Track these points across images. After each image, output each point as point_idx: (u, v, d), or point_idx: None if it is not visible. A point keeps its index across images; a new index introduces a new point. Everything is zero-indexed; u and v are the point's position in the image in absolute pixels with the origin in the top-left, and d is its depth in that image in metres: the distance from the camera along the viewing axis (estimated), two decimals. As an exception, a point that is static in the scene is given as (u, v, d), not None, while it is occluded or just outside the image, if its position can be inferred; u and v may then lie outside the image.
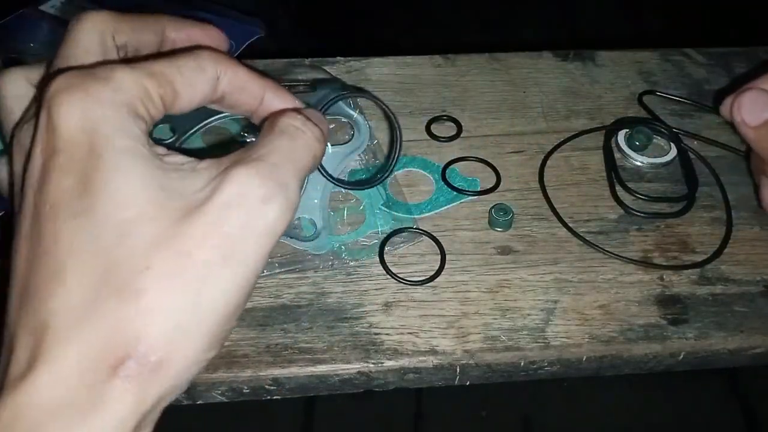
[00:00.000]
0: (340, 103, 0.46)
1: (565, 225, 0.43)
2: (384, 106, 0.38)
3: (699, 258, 0.42)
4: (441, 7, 1.68)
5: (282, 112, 0.27)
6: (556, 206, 0.44)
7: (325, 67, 0.52)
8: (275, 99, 0.29)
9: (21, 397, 0.21)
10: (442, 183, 0.45)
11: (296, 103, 0.29)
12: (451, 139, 0.48)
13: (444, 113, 0.50)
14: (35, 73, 0.28)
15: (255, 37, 0.56)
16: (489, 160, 0.47)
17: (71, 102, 0.23)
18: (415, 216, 0.43)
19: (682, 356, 0.38)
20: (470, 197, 0.45)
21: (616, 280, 0.41)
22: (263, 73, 0.29)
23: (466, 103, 0.51)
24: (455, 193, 0.45)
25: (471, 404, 1.10)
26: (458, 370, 0.38)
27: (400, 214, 0.43)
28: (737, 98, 0.40)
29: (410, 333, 0.38)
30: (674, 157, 0.47)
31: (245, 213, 0.23)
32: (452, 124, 0.49)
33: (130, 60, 0.27)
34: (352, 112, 0.46)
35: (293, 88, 0.47)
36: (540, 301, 0.40)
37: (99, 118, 0.23)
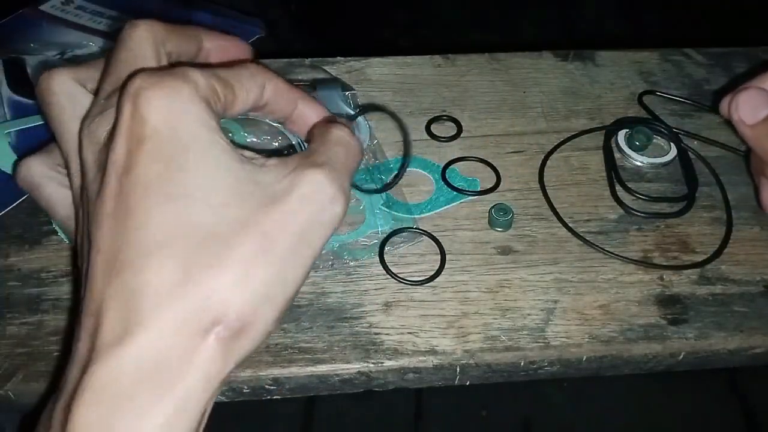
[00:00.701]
0: (340, 103, 0.46)
1: (565, 225, 0.43)
2: (398, 120, 0.40)
3: (699, 258, 0.42)
4: (441, 7, 1.68)
5: (333, 124, 0.31)
6: (556, 206, 0.44)
7: (325, 67, 0.52)
8: (307, 107, 0.33)
9: (118, 360, 0.23)
10: (442, 183, 0.45)
11: (324, 111, 0.33)
12: (451, 139, 0.48)
13: (444, 113, 0.50)
14: (82, 73, 0.31)
15: (255, 37, 0.56)
16: (489, 160, 0.47)
17: (157, 95, 0.25)
18: (415, 216, 0.43)
19: (682, 356, 0.38)
20: (470, 197, 0.45)
21: (616, 280, 0.41)
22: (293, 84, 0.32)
23: (466, 103, 0.51)
24: (455, 193, 0.45)
25: (471, 404, 1.10)
26: (458, 370, 0.38)
27: (400, 214, 0.43)
28: (735, 97, 0.41)
29: (410, 333, 0.38)
30: (674, 157, 0.47)
31: (318, 208, 0.27)
32: (452, 124, 0.49)
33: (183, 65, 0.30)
34: (352, 112, 0.46)
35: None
36: (540, 301, 0.40)
37: (183, 111, 0.25)
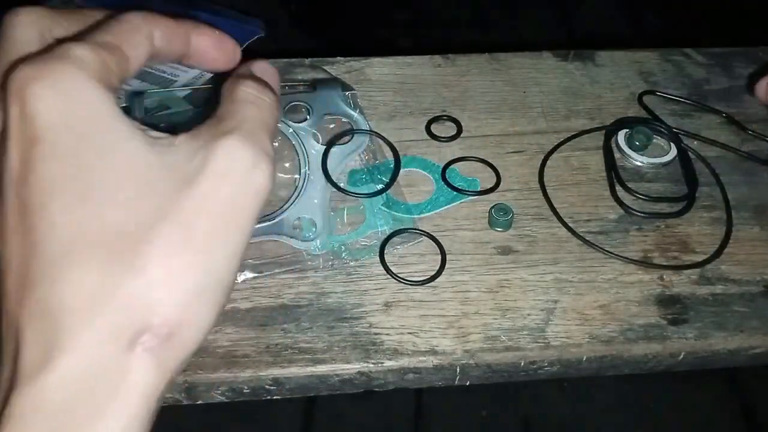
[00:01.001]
0: (340, 102, 0.46)
1: (565, 225, 0.43)
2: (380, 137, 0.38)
3: (699, 258, 0.42)
4: (441, 7, 1.68)
5: (238, 80, 0.28)
6: (556, 206, 0.44)
7: (325, 67, 0.52)
8: (201, 39, 0.31)
9: (43, 383, 0.21)
10: (442, 183, 0.45)
11: (217, 36, 0.32)
12: (451, 139, 0.48)
13: (444, 113, 0.50)
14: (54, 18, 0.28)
15: (255, 37, 0.56)
16: (489, 160, 0.47)
17: (42, 88, 0.23)
18: (415, 216, 0.43)
19: (682, 356, 0.38)
20: (470, 197, 0.45)
21: (616, 280, 0.41)
22: (180, 17, 0.30)
23: (466, 103, 0.51)
24: (455, 193, 0.45)
25: (471, 404, 1.10)
26: (458, 370, 0.38)
27: (400, 214, 0.43)
28: None
29: (410, 333, 0.38)
30: (674, 157, 0.47)
31: (237, 180, 0.24)
32: (452, 124, 0.49)
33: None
34: (352, 112, 0.46)
35: (293, 88, 0.47)
36: (540, 301, 0.40)
37: (74, 100, 0.23)
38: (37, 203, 0.22)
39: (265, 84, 0.29)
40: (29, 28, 0.27)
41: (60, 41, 0.26)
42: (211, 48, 0.31)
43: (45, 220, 0.22)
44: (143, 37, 0.27)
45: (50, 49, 0.24)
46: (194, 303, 0.23)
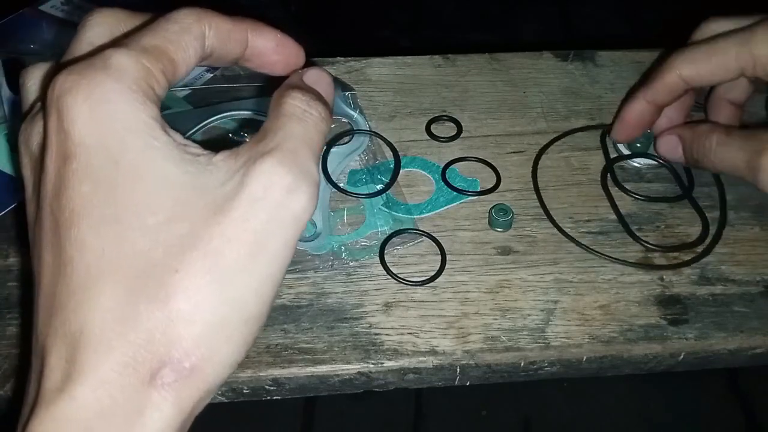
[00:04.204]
0: (340, 103, 0.46)
1: (556, 225, 0.43)
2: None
3: (698, 258, 0.42)
4: (441, 6, 1.68)
5: (286, 93, 0.27)
6: (556, 206, 0.44)
7: (325, 67, 0.52)
8: (258, 38, 0.28)
9: (59, 410, 0.21)
10: (442, 183, 0.45)
11: (279, 37, 0.29)
12: (451, 139, 0.48)
13: (444, 113, 0.50)
14: (50, 67, 0.28)
15: (255, 37, 0.56)
16: (489, 161, 0.47)
17: (78, 100, 0.22)
18: (415, 216, 0.43)
19: (682, 356, 0.38)
20: (470, 197, 0.45)
21: (616, 280, 0.41)
22: (236, 14, 0.28)
23: (466, 103, 0.51)
24: (455, 193, 0.45)
25: (471, 404, 1.10)
26: (458, 370, 0.38)
27: (400, 215, 0.43)
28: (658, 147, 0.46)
29: (410, 333, 0.38)
30: (674, 158, 0.47)
31: (273, 207, 0.23)
32: (452, 124, 0.49)
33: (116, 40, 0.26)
34: (352, 113, 0.46)
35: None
36: (540, 302, 0.40)
37: (110, 116, 0.22)
38: (68, 222, 0.22)
39: (315, 95, 0.27)
40: (101, 29, 0.26)
41: (98, 49, 0.25)
42: (270, 51, 0.29)
43: (75, 241, 0.22)
44: (193, 38, 0.25)
45: (94, 54, 0.23)
46: (218, 338, 0.22)
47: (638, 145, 0.47)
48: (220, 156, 0.24)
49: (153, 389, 0.21)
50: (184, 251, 0.22)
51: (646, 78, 0.44)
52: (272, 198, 0.23)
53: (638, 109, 0.44)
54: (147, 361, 0.21)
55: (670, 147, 0.45)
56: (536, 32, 1.60)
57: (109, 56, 0.23)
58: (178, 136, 0.24)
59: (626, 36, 1.55)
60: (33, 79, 0.28)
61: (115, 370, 0.21)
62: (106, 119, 0.22)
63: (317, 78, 0.29)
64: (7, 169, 0.45)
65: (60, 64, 0.26)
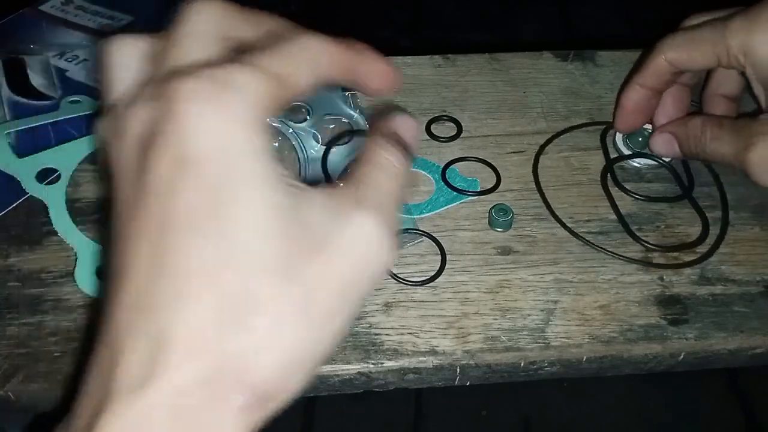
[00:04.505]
0: (340, 103, 0.46)
1: (563, 225, 0.43)
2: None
3: (699, 258, 0.42)
4: (441, 6, 1.68)
5: (379, 143, 0.27)
6: (556, 206, 0.44)
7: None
8: (367, 66, 0.29)
9: (136, 408, 0.21)
10: (442, 183, 0.45)
11: (384, 65, 0.30)
12: (451, 139, 0.48)
13: (444, 113, 0.50)
14: (146, 45, 0.27)
15: (255, 37, 0.56)
16: (489, 161, 0.47)
17: (203, 111, 0.22)
18: (415, 216, 0.43)
19: (682, 356, 0.38)
20: (470, 197, 0.45)
21: (616, 280, 0.41)
22: (345, 37, 0.28)
23: (466, 103, 0.51)
24: (455, 193, 0.45)
25: (471, 404, 1.10)
26: (458, 370, 0.38)
27: (400, 215, 0.43)
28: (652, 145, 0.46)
29: (410, 333, 0.38)
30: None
31: (367, 258, 0.24)
32: (452, 124, 0.49)
33: (240, 50, 0.26)
34: (352, 112, 0.46)
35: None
36: (540, 302, 0.40)
37: (231, 137, 0.22)
38: (175, 227, 0.22)
39: (403, 148, 0.28)
40: (206, 25, 0.26)
41: (233, 52, 0.25)
42: (376, 79, 0.30)
43: (180, 247, 0.22)
44: (313, 65, 0.26)
45: (220, 64, 0.23)
46: (294, 371, 0.23)
47: (639, 139, 0.47)
48: (319, 194, 0.24)
49: (227, 409, 0.21)
50: (281, 282, 0.22)
51: (637, 66, 0.46)
52: (366, 253, 0.24)
53: (633, 94, 0.45)
54: (227, 380, 0.21)
55: (665, 144, 0.45)
56: (536, 32, 1.60)
57: (238, 72, 0.23)
58: (280, 167, 0.24)
59: (626, 36, 1.55)
60: (127, 55, 0.26)
61: (196, 381, 0.21)
62: (228, 138, 0.22)
63: (407, 127, 0.30)
64: (7, 169, 0.45)
65: (166, 51, 0.25)
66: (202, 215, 0.22)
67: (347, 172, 0.28)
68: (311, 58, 0.26)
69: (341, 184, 0.25)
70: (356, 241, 0.24)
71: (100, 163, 0.26)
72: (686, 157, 0.45)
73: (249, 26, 0.27)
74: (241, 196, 0.22)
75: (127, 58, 0.26)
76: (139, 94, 0.24)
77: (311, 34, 0.26)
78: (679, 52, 0.43)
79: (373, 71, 0.30)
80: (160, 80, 0.23)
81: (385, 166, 0.27)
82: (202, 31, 0.26)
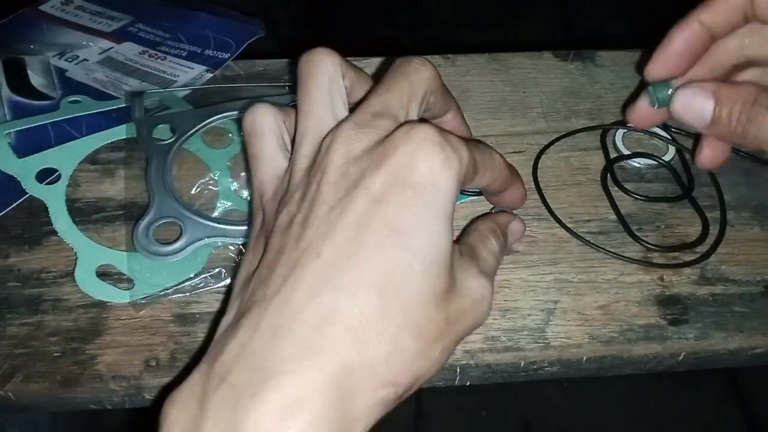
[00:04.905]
0: (340, 103, 0.46)
1: (563, 225, 0.43)
2: None
3: (699, 258, 0.42)
4: (441, 7, 1.68)
5: (493, 231, 0.35)
6: (556, 206, 0.44)
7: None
8: (512, 192, 0.36)
9: (306, 377, 0.25)
10: (442, 183, 0.45)
11: (523, 192, 0.38)
12: (451, 139, 0.48)
13: (444, 113, 0.50)
14: (283, 114, 0.33)
15: (255, 37, 0.56)
16: (489, 161, 0.47)
17: (437, 154, 0.27)
18: (415, 216, 0.43)
19: (682, 356, 0.38)
20: (470, 197, 0.45)
21: (616, 280, 0.41)
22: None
23: (466, 103, 0.51)
24: (455, 193, 0.45)
25: (471, 404, 1.10)
26: (458, 370, 0.38)
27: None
28: (675, 103, 0.36)
29: (410, 333, 0.38)
30: (673, 157, 0.47)
31: (481, 311, 0.30)
32: (452, 124, 0.49)
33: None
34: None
35: (293, 89, 0.47)
36: (540, 302, 0.40)
37: (445, 181, 0.28)
38: (377, 227, 0.26)
39: (505, 243, 0.36)
40: (333, 71, 0.34)
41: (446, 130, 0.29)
42: (516, 200, 0.37)
43: (373, 246, 0.26)
44: (491, 172, 0.32)
45: (447, 133, 0.28)
46: (418, 381, 0.27)
47: (665, 92, 0.38)
48: (457, 252, 0.31)
49: (381, 394, 0.26)
50: (433, 308, 0.27)
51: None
52: (483, 308, 0.30)
53: (688, 31, 0.36)
54: (387, 374, 0.26)
55: (698, 103, 0.34)
56: (536, 32, 1.60)
57: (464, 144, 0.29)
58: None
59: (626, 36, 1.55)
60: (268, 117, 0.33)
61: (364, 363, 0.25)
62: (443, 180, 0.28)
63: (516, 232, 0.38)
64: (7, 169, 0.45)
65: (305, 107, 0.32)
66: (401, 226, 0.27)
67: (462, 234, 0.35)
68: (495, 168, 0.32)
69: (458, 247, 0.32)
70: (481, 298, 0.30)
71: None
72: (718, 135, 0.35)
73: (440, 100, 0.37)
74: (434, 225, 0.28)
75: (274, 123, 0.33)
76: (363, 117, 0.30)
77: (495, 152, 0.33)
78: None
79: (517, 197, 0.37)
80: (388, 115, 0.30)
81: (493, 251, 0.34)
82: (330, 82, 0.33)
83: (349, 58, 0.54)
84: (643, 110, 0.40)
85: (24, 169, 0.45)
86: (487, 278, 0.30)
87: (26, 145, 0.46)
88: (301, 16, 1.56)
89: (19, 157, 0.45)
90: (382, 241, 0.26)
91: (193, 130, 0.46)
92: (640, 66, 0.41)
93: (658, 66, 0.37)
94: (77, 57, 0.54)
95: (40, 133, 0.47)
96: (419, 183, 0.27)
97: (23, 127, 0.47)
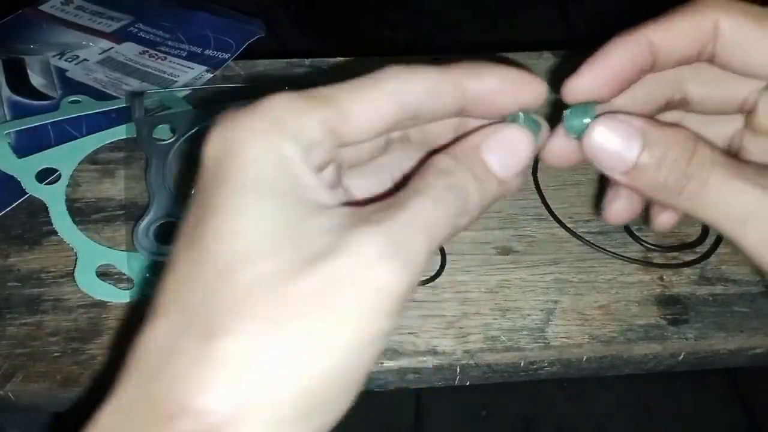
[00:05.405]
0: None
1: (563, 225, 0.43)
2: None
3: (699, 258, 0.42)
4: (441, 6, 1.68)
5: (437, 159, 0.24)
6: (556, 206, 0.44)
7: (325, 67, 0.52)
8: (475, 83, 0.24)
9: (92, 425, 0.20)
10: (442, 183, 0.45)
11: (504, 74, 0.25)
12: (451, 139, 0.48)
13: (444, 113, 0.50)
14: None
15: (255, 37, 0.56)
16: (489, 160, 0.47)
17: (219, 128, 0.22)
18: (415, 216, 0.43)
19: (682, 356, 0.38)
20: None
21: (616, 280, 0.41)
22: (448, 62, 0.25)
23: (466, 103, 0.51)
24: (455, 193, 0.45)
25: (471, 404, 1.10)
26: (458, 370, 0.38)
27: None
28: (588, 140, 0.26)
29: (410, 333, 0.38)
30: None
31: (356, 286, 0.20)
32: (452, 124, 0.49)
33: None
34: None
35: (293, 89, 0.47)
36: (540, 302, 0.40)
37: (237, 143, 0.21)
38: (185, 228, 0.22)
39: (478, 173, 0.24)
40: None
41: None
42: (495, 92, 0.25)
43: (170, 261, 0.22)
44: (383, 93, 0.23)
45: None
46: (257, 403, 0.20)
47: (582, 119, 0.27)
48: (345, 208, 0.22)
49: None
50: (248, 299, 0.20)
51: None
52: (357, 279, 0.20)
53: (633, 50, 0.27)
54: (170, 401, 0.19)
55: (616, 143, 0.26)
56: (536, 32, 1.60)
57: (269, 98, 0.22)
58: (314, 179, 0.22)
59: (626, 36, 1.55)
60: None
61: (137, 401, 0.20)
62: (232, 144, 0.21)
63: (510, 144, 0.25)
64: (7, 169, 0.45)
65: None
66: (189, 224, 0.21)
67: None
68: (381, 86, 0.23)
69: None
70: (344, 266, 0.20)
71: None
72: (631, 184, 0.26)
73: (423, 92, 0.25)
74: (222, 203, 0.21)
75: None
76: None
77: (393, 66, 0.24)
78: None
79: (489, 84, 0.25)
80: None
81: (428, 191, 0.22)
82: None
83: (349, 58, 0.54)
84: (558, 144, 0.29)
85: (24, 169, 0.44)
86: (372, 230, 0.21)
87: (26, 145, 0.46)
88: (301, 16, 1.56)
89: (19, 157, 0.45)
90: (174, 255, 0.22)
91: (193, 130, 0.46)
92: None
93: (583, 83, 0.27)
94: (77, 57, 0.54)
95: (40, 133, 0.47)
96: (203, 167, 0.22)
97: (23, 127, 0.47)
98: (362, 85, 0.23)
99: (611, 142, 0.26)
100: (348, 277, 0.20)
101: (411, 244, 0.21)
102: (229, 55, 0.54)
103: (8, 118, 0.48)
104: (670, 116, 0.30)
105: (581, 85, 0.27)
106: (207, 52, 0.54)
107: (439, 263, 0.41)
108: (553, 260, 0.42)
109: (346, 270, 0.20)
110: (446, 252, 0.41)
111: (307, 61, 0.53)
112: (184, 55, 0.54)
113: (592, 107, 0.27)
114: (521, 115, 0.26)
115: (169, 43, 0.55)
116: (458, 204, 0.23)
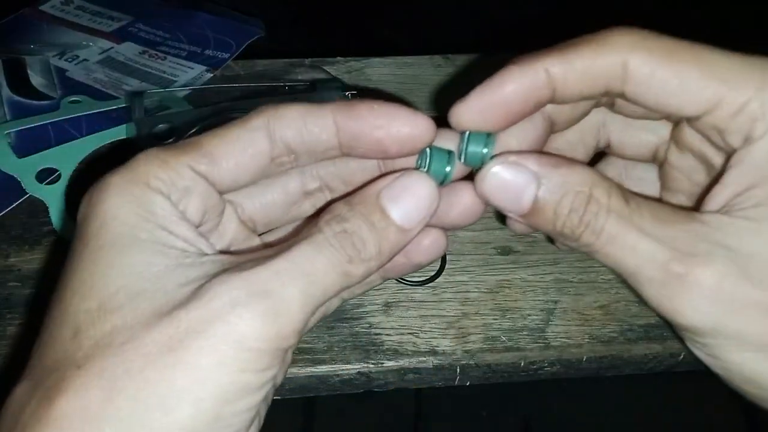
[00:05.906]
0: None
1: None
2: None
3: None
4: (441, 7, 1.67)
5: (329, 209, 0.23)
6: (556, 206, 0.44)
7: (325, 67, 0.52)
8: (348, 120, 0.23)
9: None
10: (442, 183, 0.45)
11: (377, 110, 0.24)
12: (451, 139, 0.48)
13: (444, 113, 0.50)
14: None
15: (255, 37, 0.56)
16: (489, 161, 0.47)
17: (89, 190, 0.23)
18: (415, 216, 0.43)
19: (682, 356, 0.38)
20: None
21: (616, 280, 0.41)
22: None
23: (466, 103, 0.51)
24: (455, 193, 0.45)
25: (471, 404, 1.10)
26: (458, 370, 0.38)
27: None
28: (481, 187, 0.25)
29: (410, 333, 0.38)
30: (674, 157, 0.47)
31: (208, 337, 0.19)
32: (452, 124, 0.49)
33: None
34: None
35: (293, 89, 0.47)
36: (540, 302, 0.40)
37: (99, 203, 0.22)
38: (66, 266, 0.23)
39: (372, 222, 0.22)
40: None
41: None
42: (369, 128, 0.23)
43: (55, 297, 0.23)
44: (249, 131, 0.23)
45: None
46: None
47: (481, 149, 0.26)
48: (222, 256, 0.22)
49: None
50: (102, 349, 0.19)
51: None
52: (214, 311, 0.20)
53: (528, 81, 0.25)
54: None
55: (512, 185, 0.24)
56: (536, 32, 1.60)
57: (138, 155, 0.23)
58: (184, 228, 0.22)
59: (626, 36, 1.55)
60: None
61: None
62: (98, 206, 0.22)
63: (410, 191, 0.23)
64: (7, 169, 0.45)
65: None
66: (59, 285, 0.22)
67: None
68: (249, 125, 0.23)
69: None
70: (196, 319, 0.19)
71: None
72: (531, 224, 0.25)
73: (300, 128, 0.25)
74: (88, 258, 0.21)
75: None
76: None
77: (264, 107, 0.23)
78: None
79: (363, 120, 0.24)
80: None
81: (314, 239, 0.22)
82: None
83: (349, 58, 0.54)
84: (466, 201, 0.26)
85: (24, 169, 0.45)
86: (232, 282, 0.20)
87: (26, 145, 0.46)
88: (301, 16, 1.56)
89: (19, 157, 0.45)
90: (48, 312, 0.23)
91: (193, 130, 0.46)
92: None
93: (471, 112, 0.26)
94: (77, 57, 0.54)
95: (40, 133, 0.47)
96: (77, 229, 0.24)
97: (23, 127, 0.47)
98: (231, 126, 0.23)
99: (505, 188, 0.24)
100: (200, 328, 0.19)
101: (277, 293, 0.20)
102: (229, 55, 0.54)
103: (8, 118, 0.48)
104: (594, 117, 0.29)
105: (469, 113, 0.26)
106: (207, 52, 0.54)
107: (439, 263, 0.41)
108: (553, 260, 0.41)
109: (197, 321, 0.19)
110: (446, 252, 0.41)
111: (307, 61, 0.53)
112: (183, 55, 0.54)
113: (492, 138, 0.25)
114: (427, 150, 0.25)
115: (169, 43, 0.55)
116: (348, 252, 0.22)
